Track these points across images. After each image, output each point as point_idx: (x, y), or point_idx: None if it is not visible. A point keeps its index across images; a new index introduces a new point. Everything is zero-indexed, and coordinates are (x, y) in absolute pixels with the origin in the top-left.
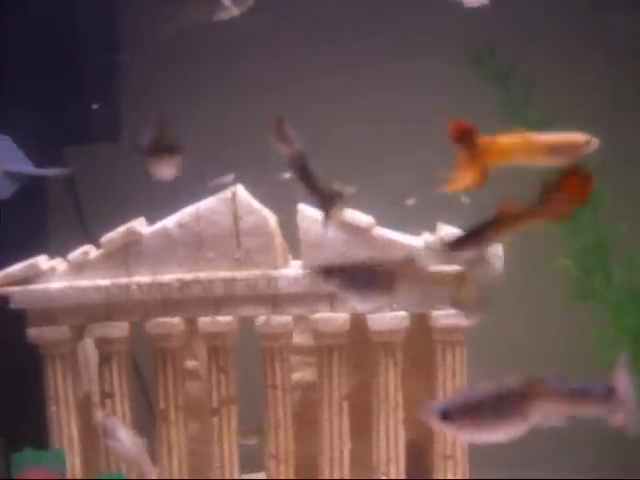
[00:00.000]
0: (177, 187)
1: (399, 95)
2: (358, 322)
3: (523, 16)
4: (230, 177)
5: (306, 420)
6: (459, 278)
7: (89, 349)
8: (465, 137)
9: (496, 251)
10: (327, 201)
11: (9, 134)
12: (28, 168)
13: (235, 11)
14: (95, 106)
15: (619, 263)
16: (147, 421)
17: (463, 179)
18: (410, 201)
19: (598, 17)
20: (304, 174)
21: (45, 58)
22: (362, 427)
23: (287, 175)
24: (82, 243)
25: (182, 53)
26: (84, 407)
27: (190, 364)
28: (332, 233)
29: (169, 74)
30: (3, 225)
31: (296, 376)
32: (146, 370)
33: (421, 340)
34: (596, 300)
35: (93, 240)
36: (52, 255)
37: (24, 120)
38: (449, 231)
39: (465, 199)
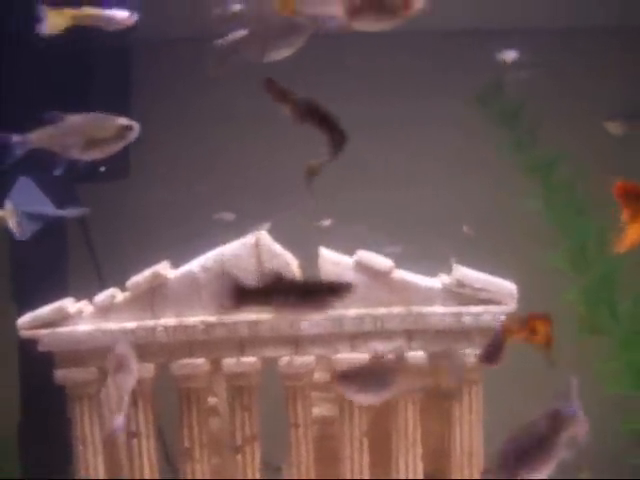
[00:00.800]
0: (187, 225)
1: (408, 133)
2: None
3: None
4: (267, 225)
5: (323, 454)
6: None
7: (110, 387)
8: (632, 196)
9: (511, 291)
10: (339, 140)
11: (28, 174)
12: (48, 209)
13: (287, 52)
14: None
15: (626, 297)
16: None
17: (634, 235)
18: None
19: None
20: (315, 115)
21: (60, 97)
22: (378, 461)
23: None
24: (97, 282)
25: (196, 87)
26: (108, 446)
27: (210, 401)
28: (352, 276)
29: (179, 108)
30: (23, 264)
31: (314, 411)
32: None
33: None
34: (603, 334)
35: (105, 279)
36: (72, 294)
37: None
38: (465, 272)
39: (468, 230)
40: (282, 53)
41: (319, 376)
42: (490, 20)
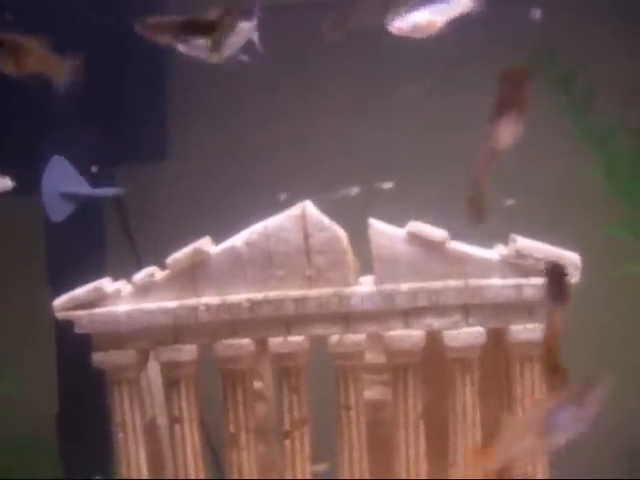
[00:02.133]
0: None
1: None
2: (429, 337)
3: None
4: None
5: (373, 440)
6: None
7: (151, 371)
8: None
9: (574, 261)
10: None
11: (63, 154)
12: (84, 189)
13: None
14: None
15: None
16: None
17: None
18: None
19: None
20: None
21: (94, 78)
22: (435, 446)
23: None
24: (133, 264)
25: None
26: (150, 432)
27: (255, 385)
28: (405, 247)
29: (213, 88)
30: (59, 246)
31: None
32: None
33: (493, 355)
34: None
35: (142, 260)
36: (109, 276)
37: (76, 140)
38: (524, 242)
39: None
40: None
41: (370, 357)
42: None
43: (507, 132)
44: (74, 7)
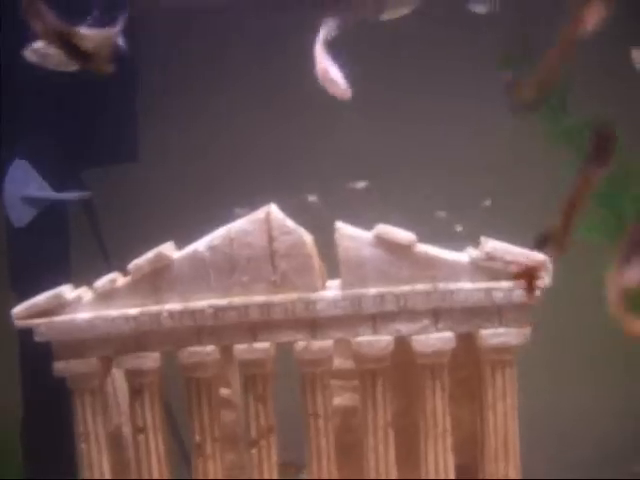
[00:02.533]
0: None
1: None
2: (398, 343)
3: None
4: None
5: (345, 447)
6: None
7: (117, 379)
8: None
9: (544, 264)
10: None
11: (27, 159)
12: (47, 193)
13: (405, 10)
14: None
15: None
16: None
17: None
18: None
19: None
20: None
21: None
22: (405, 453)
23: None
24: (102, 268)
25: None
26: (115, 441)
27: (223, 392)
28: (372, 251)
29: (184, 91)
30: (23, 251)
31: (333, 401)
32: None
33: (466, 360)
34: None
35: (113, 264)
36: (75, 282)
37: (42, 144)
38: (494, 244)
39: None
40: (400, 11)
41: (338, 362)
42: None
43: (594, 17)
44: None
